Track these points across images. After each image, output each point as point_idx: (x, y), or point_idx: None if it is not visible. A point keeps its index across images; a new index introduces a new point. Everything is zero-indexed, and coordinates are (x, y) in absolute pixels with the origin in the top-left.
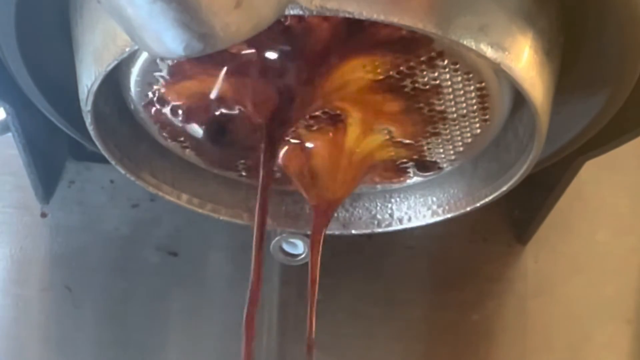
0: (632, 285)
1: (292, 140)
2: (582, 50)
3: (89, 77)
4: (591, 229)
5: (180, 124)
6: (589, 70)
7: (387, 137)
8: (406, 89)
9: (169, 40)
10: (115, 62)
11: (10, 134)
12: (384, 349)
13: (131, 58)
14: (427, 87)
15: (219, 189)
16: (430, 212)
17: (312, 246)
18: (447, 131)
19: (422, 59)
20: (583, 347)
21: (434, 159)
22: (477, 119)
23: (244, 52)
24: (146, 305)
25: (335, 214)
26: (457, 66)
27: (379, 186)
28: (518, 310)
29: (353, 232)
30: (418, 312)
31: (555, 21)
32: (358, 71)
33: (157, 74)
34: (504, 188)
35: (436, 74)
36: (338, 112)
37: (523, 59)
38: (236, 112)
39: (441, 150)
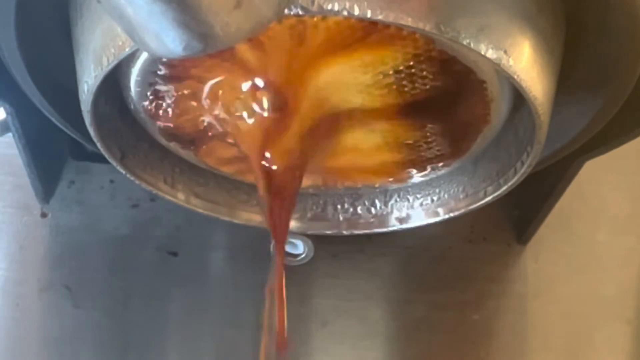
0: (632, 285)
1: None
2: (582, 50)
3: (89, 77)
4: (591, 229)
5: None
6: (589, 70)
7: (387, 137)
8: (406, 89)
9: (169, 40)
10: (115, 62)
11: (10, 134)
12: (384, 349)
13: (131, 58)
14: (427, 87)
15: (219, 189)
16: (430, 212)
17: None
18: (447, 131)
19: (422, 58)
20: (583, 347)
21: (433, 159)
22: (477, 119)
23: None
24: (146, 305)
25: (336, 214)
26: (457, 66)
27: (378, 186)
28: (518, 310)
29: (353, 232)
30: (418, 312)
31: (555, 21)
32: (357, 71)
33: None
34: (504, 188)
35: (436, 74)
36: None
37: (523, 60)
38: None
39: (441, 150)
